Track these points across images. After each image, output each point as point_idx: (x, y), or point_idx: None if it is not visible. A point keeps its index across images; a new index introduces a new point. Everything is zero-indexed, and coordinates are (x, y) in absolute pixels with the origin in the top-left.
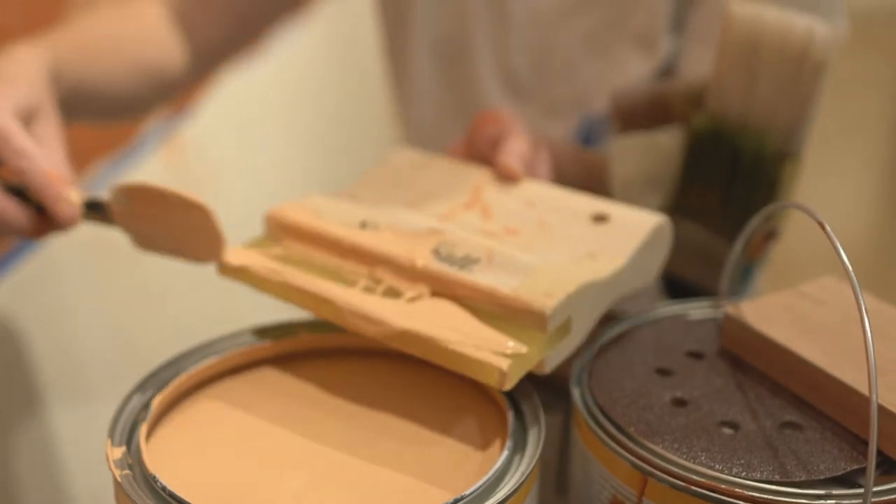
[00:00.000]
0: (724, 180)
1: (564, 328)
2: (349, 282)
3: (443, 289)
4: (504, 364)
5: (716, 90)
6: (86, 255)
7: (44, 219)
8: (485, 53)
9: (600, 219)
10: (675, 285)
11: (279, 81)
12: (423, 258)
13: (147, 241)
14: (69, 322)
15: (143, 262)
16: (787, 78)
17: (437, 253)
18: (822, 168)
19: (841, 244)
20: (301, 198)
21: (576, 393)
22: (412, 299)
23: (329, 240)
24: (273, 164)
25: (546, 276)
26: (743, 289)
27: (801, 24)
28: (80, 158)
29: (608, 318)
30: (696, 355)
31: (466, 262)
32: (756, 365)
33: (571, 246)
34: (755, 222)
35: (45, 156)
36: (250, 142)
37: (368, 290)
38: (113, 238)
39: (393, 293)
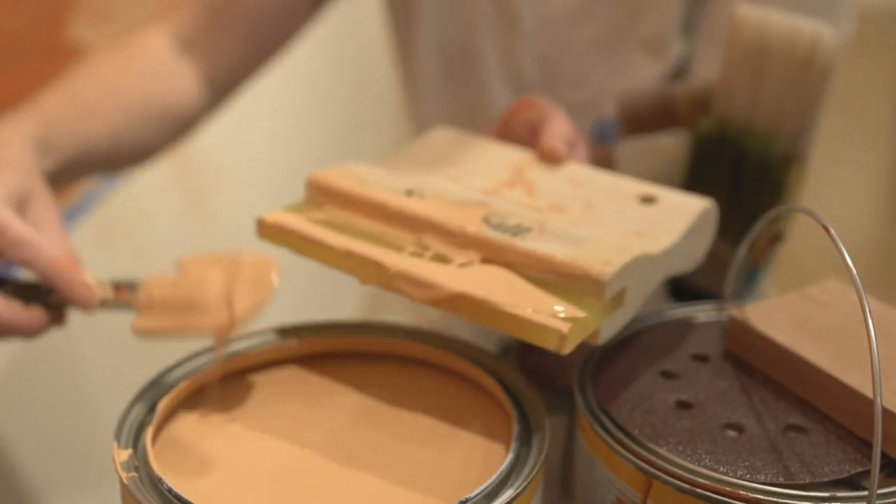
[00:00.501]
0: (730, 183)
1: (619, 298)
2: (396, 247)
3: (495, 255)
4: (564, 327)
5: (722, 93)
6: (89, 252)
7: (49, 314)
8: (492, 59)
9: (648, 200)
10: (680, 288)
11: (285, 84)
12: (473, 224)
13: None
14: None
15: (146, 259)
16: (793, 81)
17: (487, 221)
18: (827, 171)
19: (846, 248)
20: (341, 166)
21: (580, 396)
22: (463, 265)
23: (374, 205)
24: (278, 167)
25: (600, 247)
26: (748, 292)
27: (807, 27)
28: None
29: None
30: (701, 358)
31: (518, 230)
32: (761, 368)
33: (619, 224)
34: (760, 226)
35: (48, 241)
36: (255, 145)
37: (416, 255)
38: (116, 238)
39: (442, 259)
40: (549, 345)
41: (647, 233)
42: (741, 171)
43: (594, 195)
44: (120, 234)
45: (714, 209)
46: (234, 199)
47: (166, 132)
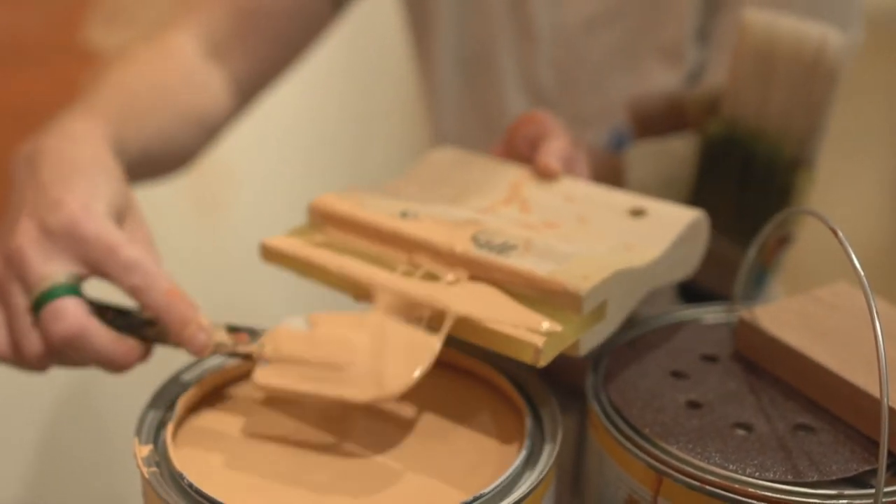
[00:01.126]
0: (738, 186)
1: (599, 312)
2: (389, 267)
3: (481, 273)
4: (539, 341)
5: (730, 97)
6: None
7: (144, 347)
8: (509, 67)
9: (638, 213)
10: (690, 290)
11: (299, 90)
12: (461, 244)
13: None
14: None
15: None
16: (800, 85)
17: (475, 240)
18: (836, 173)
19: (854, 250)
20: (343, 190)
21: (592, 395)
22: (451, 283)
23: (370, 228)
24: (292, 174)
25: (583, 262)
26: (757, 294)
27: (814, 32)
28: None
29: (624, 321)
30: (711, 359)
31: (504, 248)
32: (770, 368)
33: (609, 238)
34: (768, 228)
35: (157, 267)
36: (269, 152)
37: (407, 274)
38: None
39: (432, 277)
40: (526, 358)
41: (635, 245)
42: (749, 173)
43: (586, 209)
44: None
45: (705, 219)
46: (248, 208)
47: (202, 139)
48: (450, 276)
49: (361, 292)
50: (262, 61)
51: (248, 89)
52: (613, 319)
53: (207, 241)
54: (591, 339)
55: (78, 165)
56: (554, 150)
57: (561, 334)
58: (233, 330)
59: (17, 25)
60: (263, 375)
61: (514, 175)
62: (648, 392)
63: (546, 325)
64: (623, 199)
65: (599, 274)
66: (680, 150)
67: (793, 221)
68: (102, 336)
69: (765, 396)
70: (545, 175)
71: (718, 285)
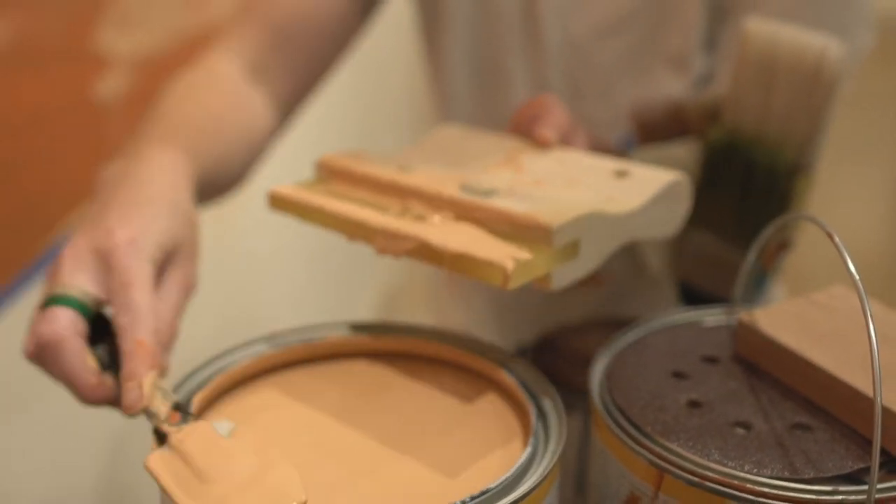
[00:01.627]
0: (740, 191)
1: (572, 249)
2: (382, 210)
3: (464, 213)
4: (509, 264)
5: (732, 105)
6: None
7: (117, 389)
8: (519, 72)
9: (622, 174)
10: (691, 293)
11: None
12: (449, 189)
13: None
14: None
15: None
16: (801, 94)
17: (463, 186)
18: (835, 178)
19: (852, 255)
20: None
21: (595, 395)
22: (437, 223)
23: (369, 178)
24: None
25: (560, 203)
26: (757, 297)
27: (815, 42)
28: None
29: (626, 323)
30: (711, 360)
31: (488, 193)
32: (768, 369)
33: (592, 192)
34: (768, 233)
35: (151, 315)
36: (281, 153)
37: (399, 215)
38: None
39: (420, 218)
40: (496, 280)
41: (616, 198)
42: (750, 179)
43: (575, 171)
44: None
45: (686, 181)
46: (256, 213)
47: (251, 158)
48: (436, 218)
49: (355, 231)
50: (300, 77)
51: (288, 106)
52: (587, 261)
53: (218, 241)
54: (563, 276)
55: (147, 198)
56: (551, 122)
57: (530, 262)
58: (175, 407)
59: (29, 30)
60: (153, 458)
61: (512, 145)
62: (650, 392)
63: (517, 252)
64: (610, 163)
65: (573, 212)
66: (682, 156)
67: (792, 227)
68: (76, 356)
69: (763, 396)
70: (541, 143)
71: (719, 288)
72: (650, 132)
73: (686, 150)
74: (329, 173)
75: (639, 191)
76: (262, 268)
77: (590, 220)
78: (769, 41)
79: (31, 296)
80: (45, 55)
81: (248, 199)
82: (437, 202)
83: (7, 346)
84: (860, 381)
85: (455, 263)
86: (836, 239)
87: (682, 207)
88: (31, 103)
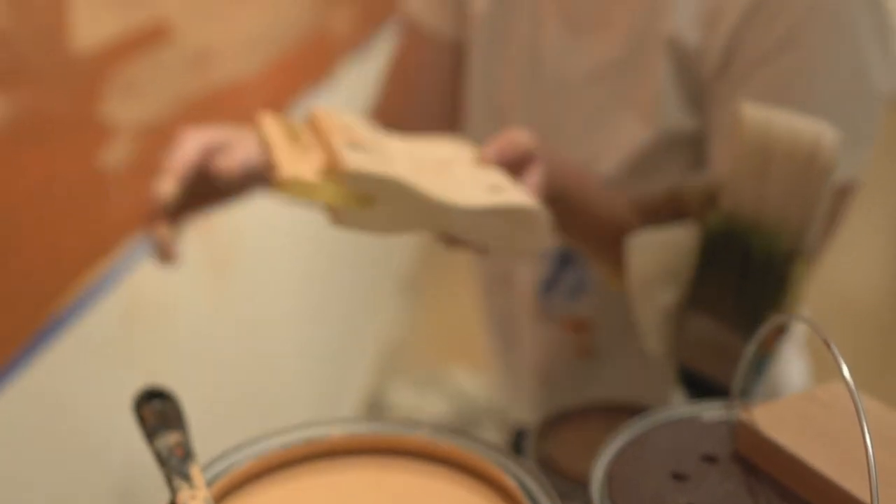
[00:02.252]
0: (738, 277)
1: (366, 200)
2: (301, 148)
3: (329, 152)
4: (288, 174)
5: (729, 191)
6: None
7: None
8: (520, 114)
9: (496, 188)
10: (691, 376)
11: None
12: (341, 139)
13: None
14: (99, 395)
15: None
16: (796, 181)
17: (351, 144)
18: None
19: (855, 311)
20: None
21: (596, 497)
22: (310, 160)
23: (320, 126)
24: (300, 229)
25: (392, 169)
26: (757, 378)
27: (809, 128)
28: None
29: (626, 408)
30: (711, 459)
31: (356, 148)
32: (767, 469)
33: (438, 182)
34: (766, 328)
35: (198, 146)
36: (275, 208)
37: (299, 150)
38: (142, 310)
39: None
40: (283, 188)
41: (453, 193)
42: (748, 265)
43: (460, 171)
44: (144, 309)
45: (544, 214)
46: (256, 265)
47: None
48: (313, 157)
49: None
50: (427, 121)
51: None
52: (389, 223)
53: (217, 298)
54: (354, 221)
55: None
56: (498, 146)
57: (312, 185)
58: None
59: (38, 104)
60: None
61: (460, 154)
62: (650, 495)
63: (313, 177)
64: (494, 178)
65: (380, 170)
66: (681, 239)
67: (791, 305)
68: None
69: (762, 498)
70: (483, 160)
71: (719, 372)
72: (649, 216)
73: (685, 234)
74: (310, 123)
75: (484, 199)
76: (266, 331)
77: (394, 186)
78: (764, 128)
79: (33, 370)
80: (49, 127)
81: (250, 262)
82: (322, 145)
83: (7, 421)
84: (858, 488)
85: (272, 169)
86: (833, 347)
87: (533, 237)
88: (35, 176)
